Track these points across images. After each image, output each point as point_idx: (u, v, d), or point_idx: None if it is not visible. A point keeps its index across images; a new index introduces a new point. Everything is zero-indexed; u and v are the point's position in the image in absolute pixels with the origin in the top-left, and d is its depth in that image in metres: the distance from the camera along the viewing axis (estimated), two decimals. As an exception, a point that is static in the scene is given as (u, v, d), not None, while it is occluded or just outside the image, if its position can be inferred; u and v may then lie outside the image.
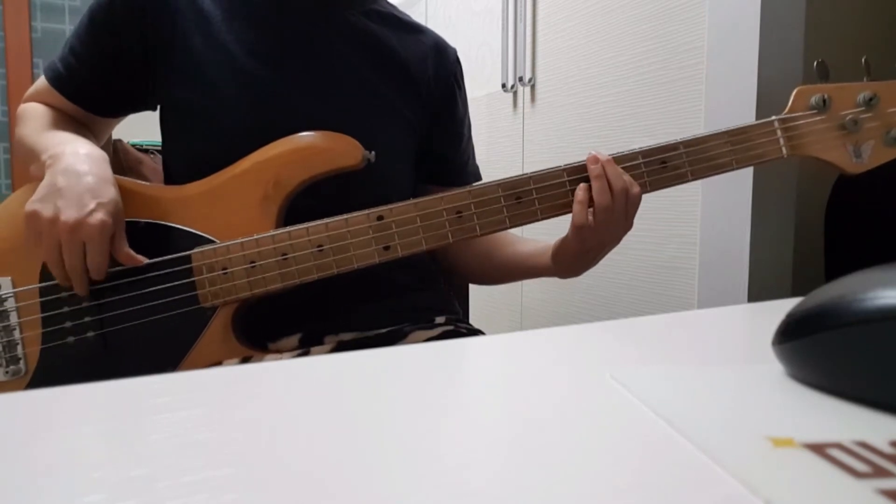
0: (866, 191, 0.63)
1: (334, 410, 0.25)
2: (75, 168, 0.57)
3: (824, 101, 0.60)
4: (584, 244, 0.63)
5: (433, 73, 0.76)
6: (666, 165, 0.61)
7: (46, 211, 0.55)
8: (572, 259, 0.66)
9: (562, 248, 0.66)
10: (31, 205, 0.56)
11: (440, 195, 0.60)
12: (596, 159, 0.60)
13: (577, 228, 0.61)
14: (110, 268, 0.58)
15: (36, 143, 0.63)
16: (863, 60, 0.60)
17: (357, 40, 0.71)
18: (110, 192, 0.57)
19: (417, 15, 1.89)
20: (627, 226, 0.63)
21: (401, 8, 0.80)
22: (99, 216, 0.55)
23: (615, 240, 0.64)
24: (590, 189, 0.60)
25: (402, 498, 0.17)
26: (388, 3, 0.78)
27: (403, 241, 0.60)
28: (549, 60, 1.40)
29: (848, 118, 0.60)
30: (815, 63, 0.61)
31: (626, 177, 0.60)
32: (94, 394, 0.27)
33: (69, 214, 0.55)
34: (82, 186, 0.56)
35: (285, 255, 0.59)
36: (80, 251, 0.56)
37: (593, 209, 0.60)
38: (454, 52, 0.81)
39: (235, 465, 0.19)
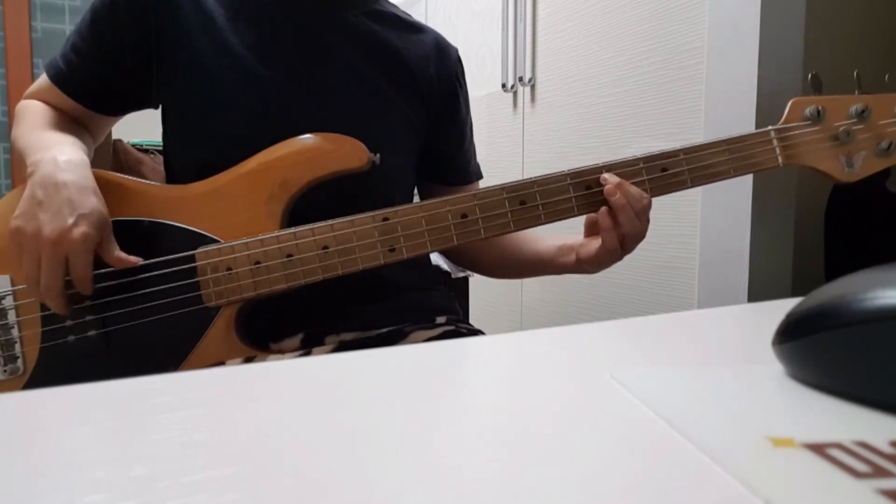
0: (866, 191, 0.64)
1: (335, 410, 0.25)
2: (54, 178, 0.56)
3: (818, 112, 0.62)
4: (612, 256, 0.65)
5: (435, 72, 0.76)
6: (666, 172, 0.62)
7: (29, 226, 0.54)
8: (599, 264, 0.68)
9: (588, 258, 0.67)
10: (14, 220, 0.55)
11: (445, 198, 0.60)
12: (614, 190, 0.60)
13: (609, 252, 0.63)
14: (105, 269, 0.58)
15: (24, 146, 0.63)
16: (854, 74, 0.62)
17: (359, 40, 0.71)
18: (91, 202, 0.56)
19: (417, 15, 1.89)
20: (646, 230, 0.64)
21: (401, 8, 0.80)
22: (81, 229, 0.54)
23: (637, 243, 0.65)
24: (609, 213, 0.61)
25: (403, 498, 0.17)
26: (389, 3, 0.78)
27: (409, 244, 0.60)
28: (549, 60, 1.40)
29: (841, 129, 0.62)
30: (808, 76, 0.62)
31: (638, 192, 0.61)
32: (94, 394, 0.27)
33: (51, 229, 0.54)
34: (62, 198, 0.55)
35: (290, 255, 0.59)
36: (60, 267, 0.55)
37: (622, 235, 0.62)
38: (455, 51, 0.81)
39: (235, 465, 0.19)
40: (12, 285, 0.60)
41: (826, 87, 0.63)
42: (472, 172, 0.85)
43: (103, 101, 0.70)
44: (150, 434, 0.22)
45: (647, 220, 0.63)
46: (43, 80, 0.70)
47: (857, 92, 0.62)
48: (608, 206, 0.61)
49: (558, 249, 0.73)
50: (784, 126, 0.63)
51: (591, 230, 0.67)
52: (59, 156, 0.59)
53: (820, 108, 0.62)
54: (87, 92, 0.69)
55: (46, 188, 0.56)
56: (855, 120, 0.62)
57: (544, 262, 0.75)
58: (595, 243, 0.65)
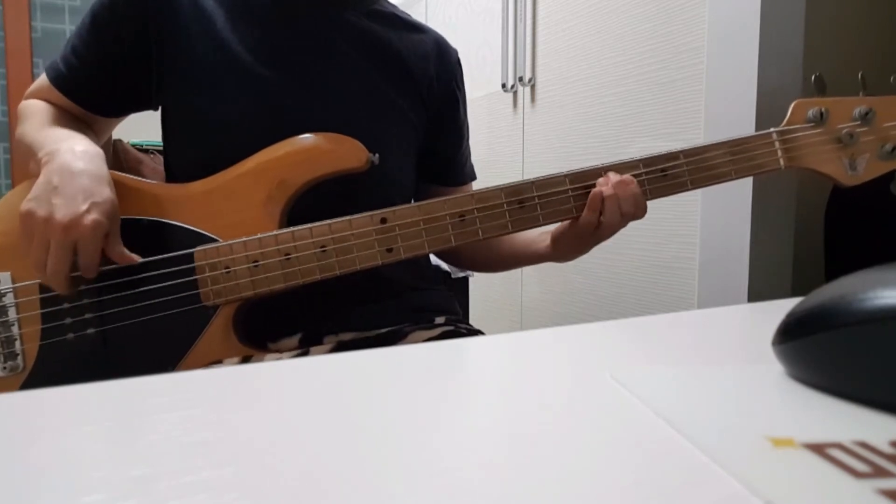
0: (866, 191, 0.64)
1: (334, 410, 0.25)
2: (70, 166, 0.57)
3: (821, 114, 0.62)
4: (584, 239, 0.66)
5: (435, 73, 0.76)
6: (666, 174, 0.62)
7: (41, 210, 0.55)
8: (571, 246, 0.70)
9: (561, 236, 0.69)
10: (27, 203, 0.55)
11: (443, 199, 0.60)
12: (607, 180, 0.61)
13: (586, 224, 0.63)
14: (106, 266, 0.58)
15: (34, 141, 0.63)
16: (859, 76, 0.61)
17: (359, 41, 0.71)
18: (105, 192, 0.57)
19: (417, 15, 1.89)
20: (621, 226, 0.65)
21: (401, 8, 0.80)
22: (93, 216, 0.55)
23: (610, 235, 0.66)
24: (601, 196, 0.61)
25: (403, 498, 0.17)
26: (388, 3, 0.78)
27: (406, 244, 0.60)
28: (549, 60, 1.40)
29: (844, 132, 0.61)
30: (812, 77, 0.62)
31: (637, 197, 0.61)
32: (94, 394, 0.27)
33: (63, 214, 0.54)
34: (77, 185, 0.56)
35: (288, 255, 0.59)
36: (68, 253, 0.55)
37: (602, 222, 0.62)
38: (455, 53, 0.81)
39: (235, 465, 0.19)
40: (13, 282, 0.60)
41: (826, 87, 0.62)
42: (467, 174, 0.85)
43: (103, 103, 0.70)
44: (150, 434, 0.22)
45: (628, 221, 0.63)
46: (43, 81, 0.70)
47: (861, 93, 0.62)
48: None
49: (535, 236, 0.75)
50: (786, 128, 0.63)
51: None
52: (76, 146, 0.59)
53: (823, 109, 0.61)
54: (87, 94, 0.69)
55: (63, 175, 0.56)
56: (859, 122, 0.61)
57: (520, 251, 0.77)
58: (569, 223, 0.66)
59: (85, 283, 0.59)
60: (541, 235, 0.74)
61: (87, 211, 0.55)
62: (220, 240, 0.60)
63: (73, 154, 0.58)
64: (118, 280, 0.59)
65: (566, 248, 0.70)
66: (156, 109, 0.71)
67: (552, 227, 0.71)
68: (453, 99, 0.80)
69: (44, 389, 0.27)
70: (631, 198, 0.61)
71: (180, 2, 0.66)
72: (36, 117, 0.67)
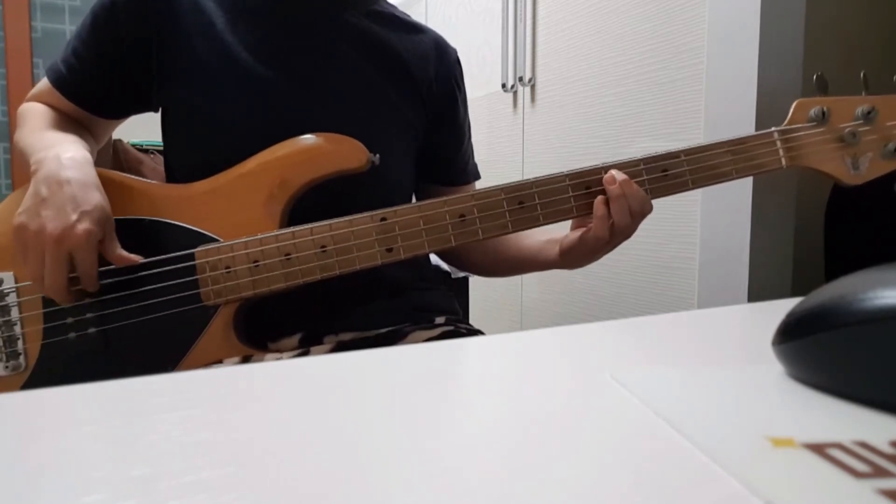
0: (866, 191, 0.64)
1: (334, 410, 0.25)
2: (57, 175, 0.56)
3: (823, 113, 0.61)
4: (596, 251, 0.65)
5: (434, 73, 0.76)
6: (667, 174, 0.62)
7: (32, 223, 0.55)
8: (582, 258, 0.68)
9: (572, 249, 0.67)
10: (18, 217, 0.56)
11: (443, 199, 0.60)
12: (613, 179, 0.60)
13: (596, 239, 0.62)
14: (108, 266, 0.58)
15: (26, 146, 0.63)
16: (861, 75, 0.61)
17: (359, 41, 0.71)
18: (94, 199, 0.57)
19: (417, 15, 1.89)
20: (633, 230, 0.64)
21: (401, 8, 0.80)
22: (83, 226, 0.55)
23: (622, 240, 0.65)
24: (607, 202, 0.61)
25: (403, 498, 0.17)
26: (388, 3, 0.78)
27: (406, 244, 0.60)
28: (549, 60, 1.40)
29: (846, 131, 0.61)
30: (814, 76, 0.62)
31: (642, 194, 0.61)
32: (94, 394, 0.27)
33: (54, 226, 0.54)
34: (65, 195, 0.55)
35: (289, 255, 0.59)
36: (63, 264, 0.55)
37: (612, 225, 0.61)
38: (454, 52, 0.81)
39: (235, 465, 0.19)
40: (16, 282, 0.60)
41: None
42: (469, 173, 0.85)
43: (103, 104, 0.70)
44: (150, 434, 0.22)
45: (639, 222, 0.63)
46: (44, 83, 0.70)
47: (863, 93, 0.61)
48: (605, 196, 0.61)
49: (543, 244, 0.73)
50: (788, 127, 0.62)
51: (578, 223, 0.67)
52: (63, 153, 0.59)
53: (825, 109, 0.61)
54: (88, 95, 0.69)
55: (50, 185, 0.56)
56: (861, 121, 0.61)
57: (527, 258, 0.76)
58: (578, 233, 0.65)
59: (90, 297, 0.59)
60: (548, 244, 0.72)
61: (78, 221, 0.55)
62: (221, 240, 0.60)
63: (59, 162, 0.58)
64: (119, 279, 0.59)
65: (577, 259, 0.69)
66: (156, 111, 0.71)
67: (559, 236, 0.70)
68: (453, 99, 0.80)
69: (44, 389, 0.27)
70: (637, 195, 0.61)
71: (180, 2, 0.66)
72: (31, 122, 0.67)
